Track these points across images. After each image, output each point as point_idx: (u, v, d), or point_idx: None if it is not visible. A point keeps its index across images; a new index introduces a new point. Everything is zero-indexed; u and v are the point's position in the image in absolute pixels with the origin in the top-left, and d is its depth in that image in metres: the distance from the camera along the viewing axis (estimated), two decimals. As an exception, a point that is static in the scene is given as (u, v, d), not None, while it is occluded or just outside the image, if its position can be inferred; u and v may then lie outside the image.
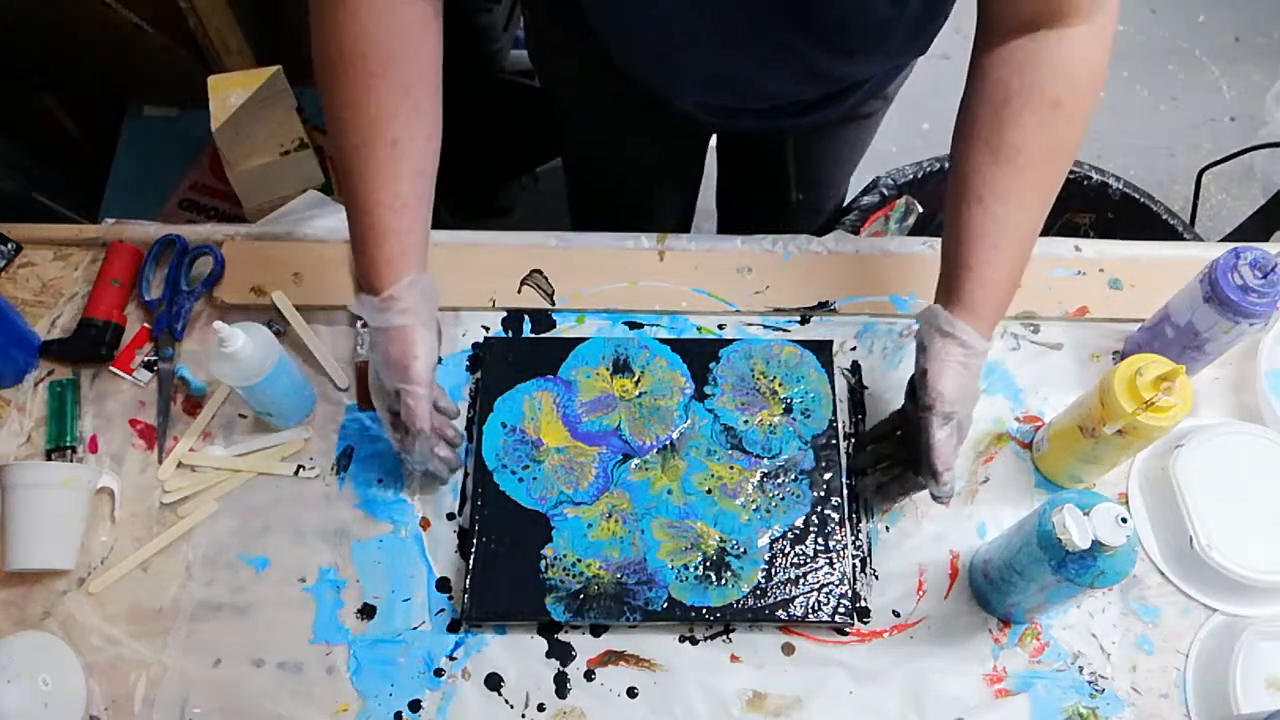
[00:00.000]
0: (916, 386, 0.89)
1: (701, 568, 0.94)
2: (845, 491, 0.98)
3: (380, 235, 0.85)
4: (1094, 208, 1.74)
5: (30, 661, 0.85)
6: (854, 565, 0.96)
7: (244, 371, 0.92)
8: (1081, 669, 0.93)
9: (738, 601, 0.92)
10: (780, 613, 0.92)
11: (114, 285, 1.09)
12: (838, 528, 0.96)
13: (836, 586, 0.93)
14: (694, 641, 0.95)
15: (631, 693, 0.92)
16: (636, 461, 1.00)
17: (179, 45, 1.59)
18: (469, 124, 1.83)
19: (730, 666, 0.94)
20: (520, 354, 1.06)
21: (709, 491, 0.98)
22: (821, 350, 1.06)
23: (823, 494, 0.98)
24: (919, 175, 1.72)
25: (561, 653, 0.95)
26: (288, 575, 0.98)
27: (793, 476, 0.99)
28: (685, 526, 0.96)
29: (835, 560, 0.94)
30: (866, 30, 0.91)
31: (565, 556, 0.95)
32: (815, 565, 0.94)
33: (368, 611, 0.96)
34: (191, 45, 1.59)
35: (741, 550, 0.95)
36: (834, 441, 1.01)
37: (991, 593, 0.94)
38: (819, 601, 0.92)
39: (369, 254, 0.86)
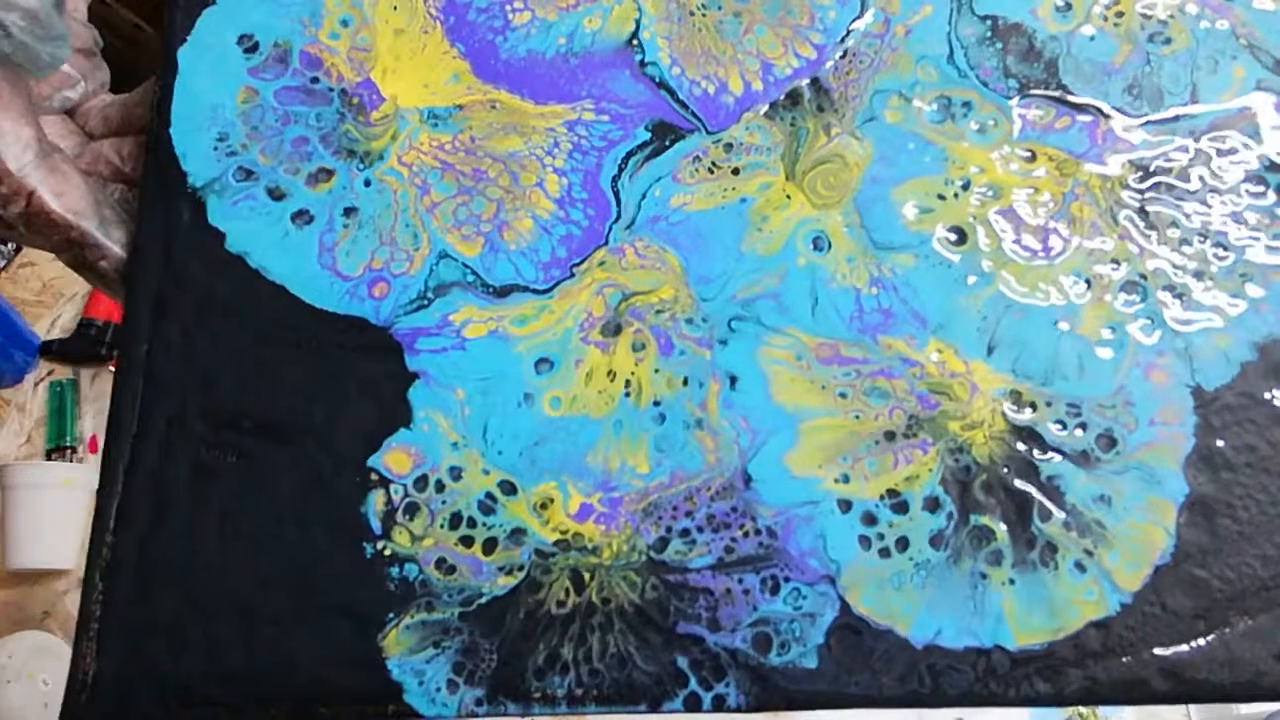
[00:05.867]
0: None
1: (958, 503, 0.27)
2: None
3: None
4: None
5: (30, 661, 0.88)
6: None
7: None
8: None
9: (1101, 629, 0.26)
10: None
11: (116, 286, 0.97)
12: None
13: None
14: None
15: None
16: (700, 148, 0.30)
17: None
18: None
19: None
20: None
21: (959, 238, 0.29)
22: None
23: None
24: None
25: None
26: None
27: (1248, 178, 0.29)
28: (880, 360, 0.28)
29: None
30: None
31: (456, 478, 0.27)
32: None
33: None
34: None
35: (1100, 439, 0.27)
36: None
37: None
38: None
39: None
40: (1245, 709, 0.84)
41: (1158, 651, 0.26)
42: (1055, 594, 0.26)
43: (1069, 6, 0.31)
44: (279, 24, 0.32)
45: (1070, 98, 0.30)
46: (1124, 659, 0.26)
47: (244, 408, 0.28)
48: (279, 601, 0.26)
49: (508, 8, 0.31)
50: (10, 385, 1.06)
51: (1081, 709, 0.84)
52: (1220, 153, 0.29)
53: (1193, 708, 0.88)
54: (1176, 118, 0.30)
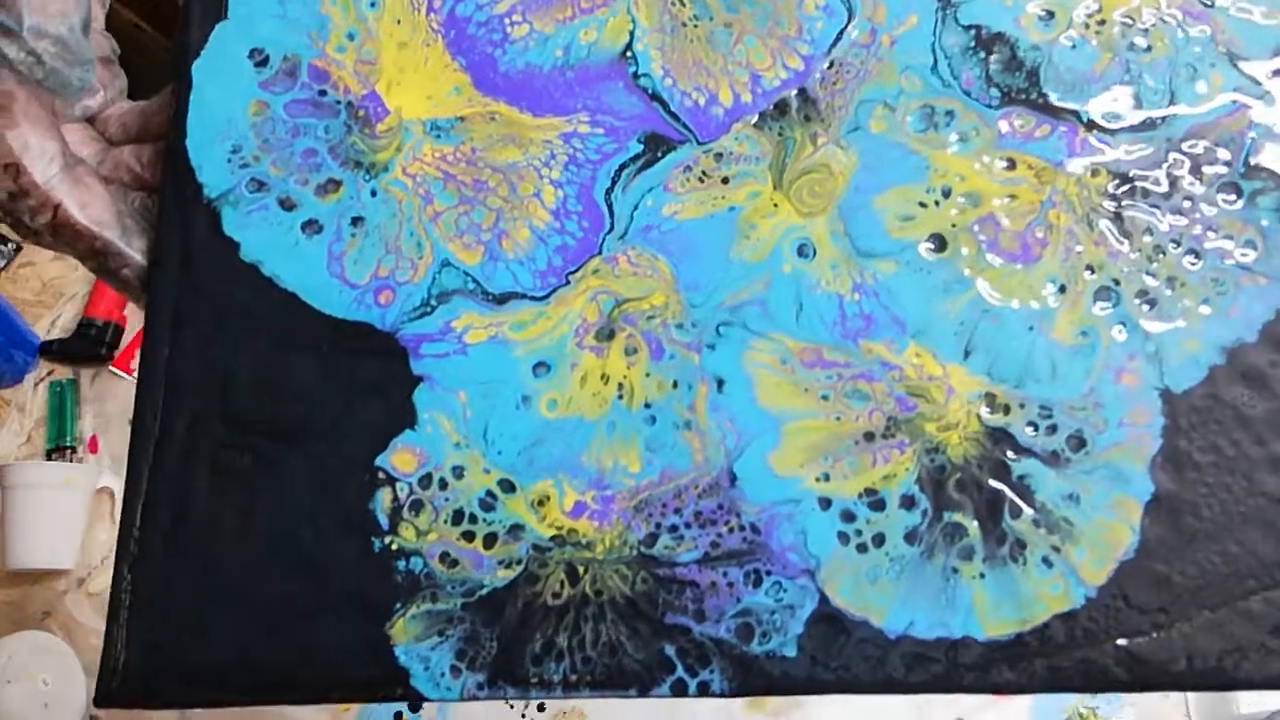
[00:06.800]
0: None
1: (932, 501, 0.28)
2: None
3: None
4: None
5: (30, 661, 0.88)
6: None
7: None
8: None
9: (1066, 621, 0.27)
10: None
11: (115, 285, 1.00)
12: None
13: None
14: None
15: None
16: (691, 157, 0.31)
17: (180, 46, 1.23)
18: None
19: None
20: None
21: (938, 245, 0.30)
22: None
23: None
24: None
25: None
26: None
27: (1222, 185, 0.30)
28: (861, 363, 0.29)
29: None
30: None
31: (459, 476, 0.29)
32: None
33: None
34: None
35: (1070, 439, 0.28)
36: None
37: None
38: None
39: None
40: (1245, 706, 0.84)
41: (1120, 642, 0.27)
42: (1023, 588, 0.27)
43: (1051, 15, 0.32)
44: (288, 38, 0.33)
45: (1050, 106, 0.31)
46: (1087, 649, 0.27)
47: (260, 411, 0.30)
48: (294, 592, 0.28)
49: (506, 21, 0.33)
50: (10, 385, 1.06)
51: (1081, 709, 0.87)
52: (1196, 160, 0.30)
53: (1192, 706, 0.89)
54: (1154, 125, 0.31)
